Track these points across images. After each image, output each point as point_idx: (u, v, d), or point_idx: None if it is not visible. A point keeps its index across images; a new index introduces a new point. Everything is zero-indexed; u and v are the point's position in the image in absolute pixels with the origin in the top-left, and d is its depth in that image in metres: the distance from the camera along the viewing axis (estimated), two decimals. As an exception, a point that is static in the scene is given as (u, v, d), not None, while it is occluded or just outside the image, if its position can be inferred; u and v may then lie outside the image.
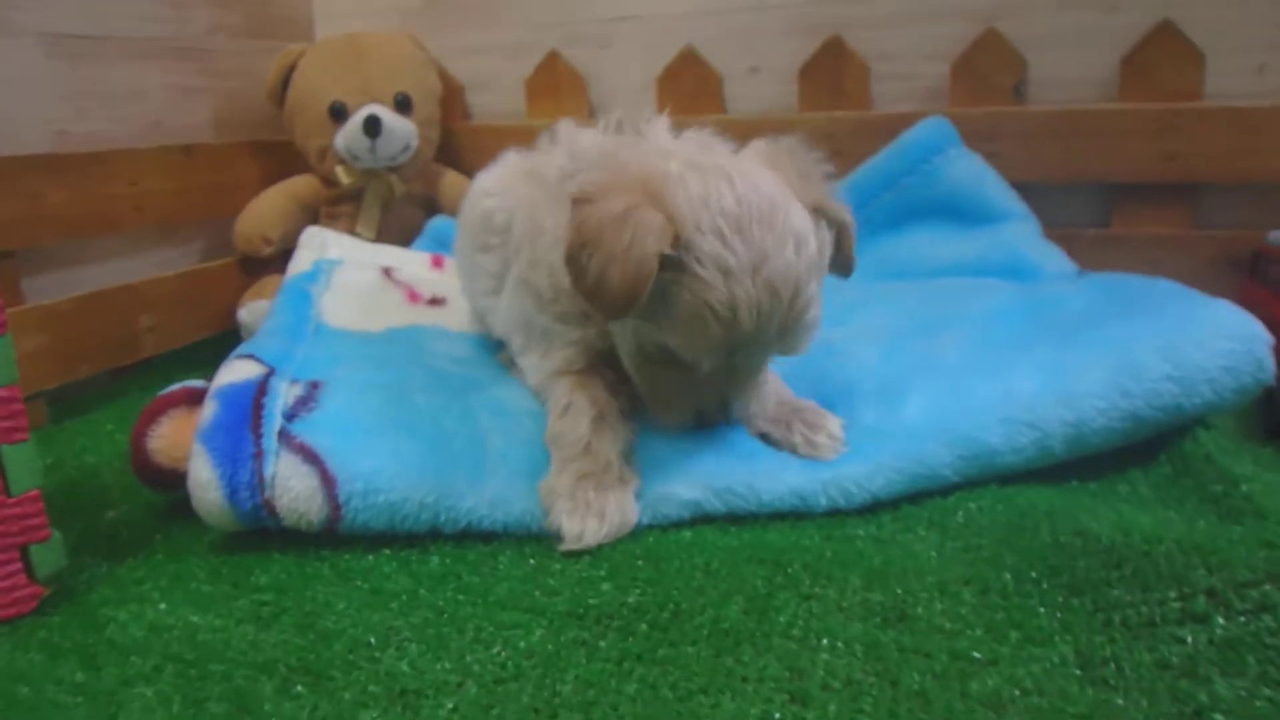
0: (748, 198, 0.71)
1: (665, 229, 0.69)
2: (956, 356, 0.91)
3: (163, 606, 0.68)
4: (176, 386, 0.84)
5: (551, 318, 0.88)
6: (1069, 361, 0.82)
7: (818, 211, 0.75)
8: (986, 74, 1.35)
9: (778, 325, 0.72)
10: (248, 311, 1.36)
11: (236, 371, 0.82)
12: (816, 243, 0.74)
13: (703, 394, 0.80)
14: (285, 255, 1.42)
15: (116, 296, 1.23)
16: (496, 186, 1.01)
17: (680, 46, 1.51)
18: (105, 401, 1.18)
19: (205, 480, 0.72)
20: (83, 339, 1.17)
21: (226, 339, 1.36)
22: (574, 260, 0.71)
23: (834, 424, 0.83)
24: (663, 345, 0.75)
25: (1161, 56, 1.27)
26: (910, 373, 0.89)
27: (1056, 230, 1.27)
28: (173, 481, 0.77)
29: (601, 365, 0.86)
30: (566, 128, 0.94)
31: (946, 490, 0.79)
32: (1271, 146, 1.23)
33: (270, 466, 0.73)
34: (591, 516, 0.73)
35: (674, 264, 0.70)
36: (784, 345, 0.76)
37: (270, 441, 0.74)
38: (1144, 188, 1.31)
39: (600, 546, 0.73)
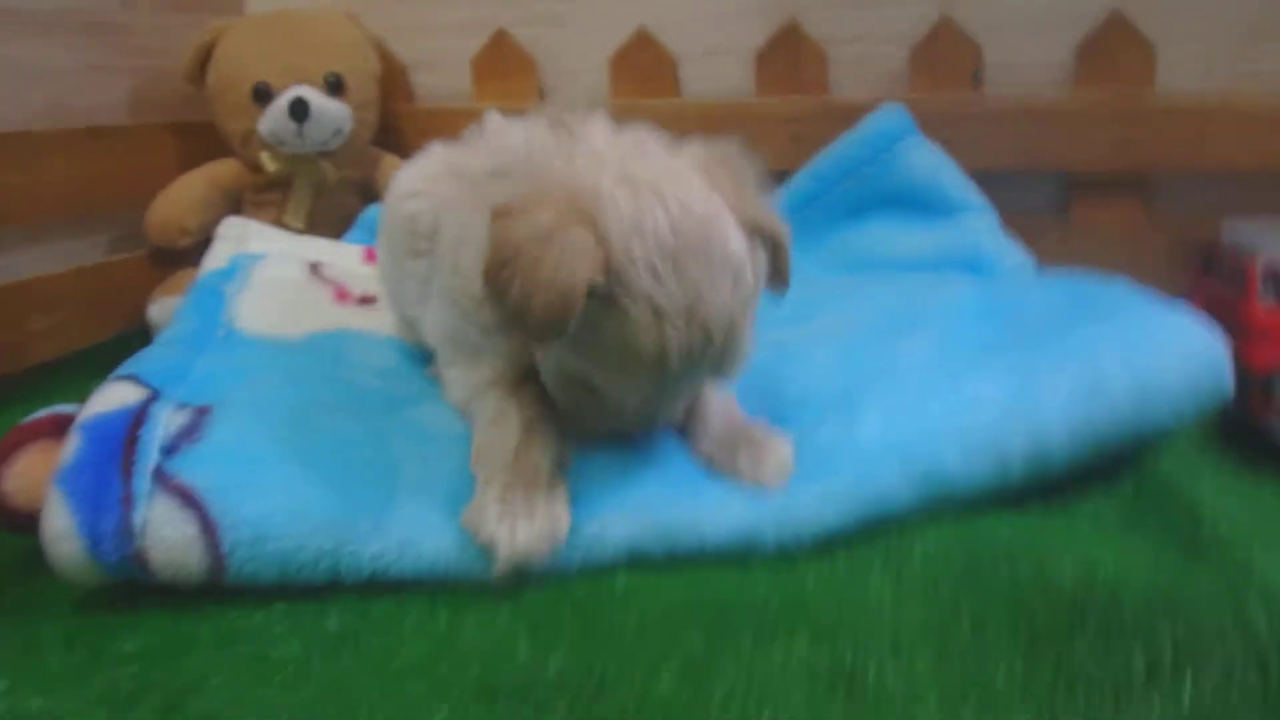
0: (682, 224, 0.64)
1: (595, 254, 0.62)
2: (915, 361, 0.86)
3: (3, 685, 0.58)
4: (42, 414, 0.74)
5: (478, 329, 0.80)
6: (1032, 379, 0.77)
7: (754, 229, 0.69)
8: (944, 61, 1.33)
9: (709, 363, 0.67)
10: (159, 309, 1.26)
11: (110, 398, 0.73)
12: (753, 268, 0.68)
13: (624, 418, 0.74)
14: (203, 247, 1.32)
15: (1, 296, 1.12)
16: (419, 185, 0.92)
17: (634, 27, 1.43)
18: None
19: (62, 530, 0.63)
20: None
21: (135, 339, 1.26)
22: (493, 279, 0.63)
23: (782, 448, 0.76)
24: (586, 377, 0.70)
25: (1116, 46, 1.26)
26: (867, 381, 0.83)
27: (1014, 218, 1.24)
28: (32, 526, 0.67)
29: (534, 377, 0.78)
30: (494, 121, 0.86)
31: (902, 518, 0.73)
32: (1221, 138, 1.23)
33: (141, 512, 0.64)
34: (521, 518, 0.66)
35: (602, 295, 0.63)
36: (714, 378, 0.72)
37: (142, 483, 0.65)
38: (1100, 177, 1.30)
39: (522, 594, 0.65)
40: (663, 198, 0.64)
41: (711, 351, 0.66)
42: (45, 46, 1.23)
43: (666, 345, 0.64)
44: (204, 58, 1.36)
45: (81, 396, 1.09)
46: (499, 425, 0.74)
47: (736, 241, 0.66)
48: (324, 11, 1.45)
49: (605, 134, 0.74)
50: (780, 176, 1.33)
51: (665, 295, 0.63)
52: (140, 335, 1.27)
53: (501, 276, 0.62)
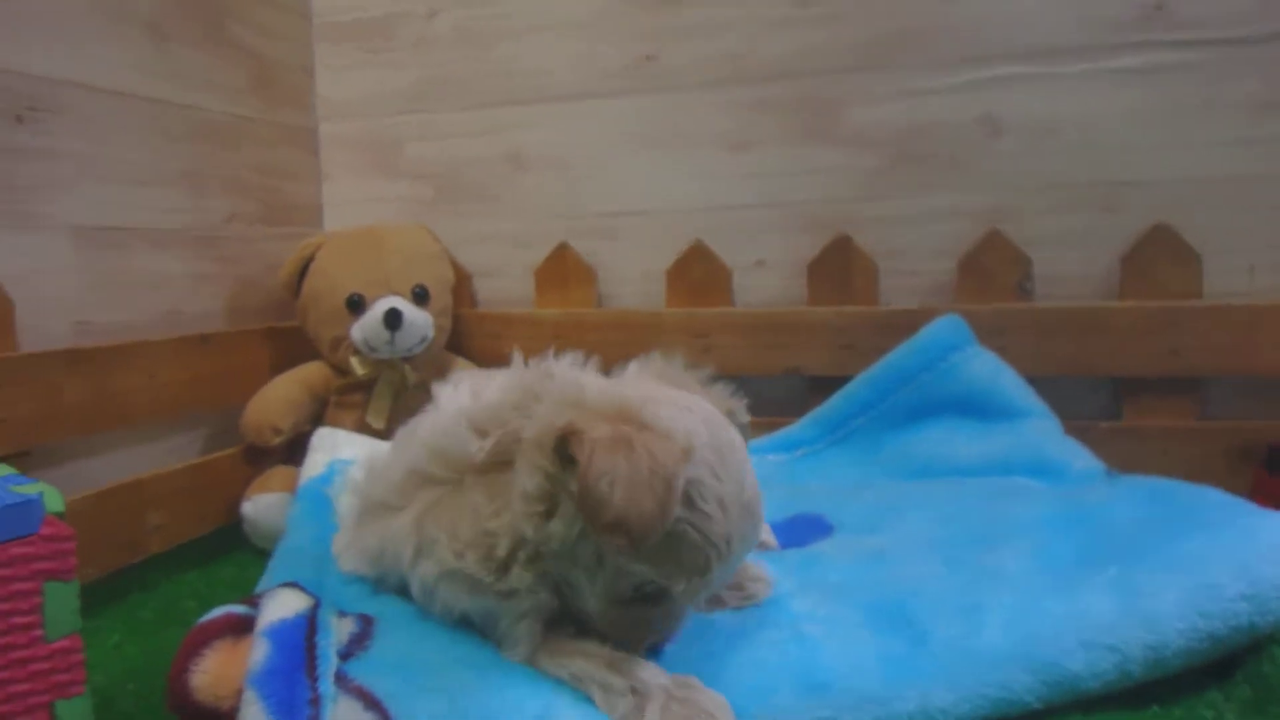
0: (713, 426, 0.73)
1: (678, 449, 0.67)
2: (1020, 570, 0.89)
3: None
4: (217, 613, 0.78)
5: (495, 597, 0.77)
6: (1143, 582, 0.81)
7: (731, 416, 0.78)
8: (992, 272, 1.39)
9: (751, 544, 0.75)
10: (253, 505, 1.31)
11: (284, 605, 0.78)
12: None
13: (664, 624, 0.77)
14: (291, 445, 1.40)
15: (124, 494, 1.19)
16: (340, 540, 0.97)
17: (687, 239, 1.53)
18: (105, 604, 1.10)
19: (261, 730, 0.67)
20: (91, 542, 1.10)
21: (229, 533, 1.33)
22: (592, 492, 0.65)
23: (755, 569, 0.87)
24: (641, 582, 0.72)
25: (1158, 256, 1.32)
26: (977, 586, 0.86)
27: (1070, 423, 1.29)
28: (215, 721, 0.71)
29: (560, 622, 0.79)
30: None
31: (1029, 717, 0.76)
32: (1268, 343, 1.27)
33: (328, 713, 0.68)
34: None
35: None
36: None
37: (327, 685, 0.69)
38: (1152, 381, 1.34)
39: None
40: (686, 408, 0.72)
41: (755, 532, 0.73)
42: (163, 259, 1.34)
43: (731, 534, 0.70)
44: (301, 270, 1.47)
45: (189, 588, 1.14)
46: (591, 687, 0.73)
47: (736, 434, 0.76)
48: (405, 226, 1.57)
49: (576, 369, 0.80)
50: (831, 383, 1.40)
51: (724, 488, 0.69)
52: (235, 529, 1.32)
53: (601, 486, 0.64)
